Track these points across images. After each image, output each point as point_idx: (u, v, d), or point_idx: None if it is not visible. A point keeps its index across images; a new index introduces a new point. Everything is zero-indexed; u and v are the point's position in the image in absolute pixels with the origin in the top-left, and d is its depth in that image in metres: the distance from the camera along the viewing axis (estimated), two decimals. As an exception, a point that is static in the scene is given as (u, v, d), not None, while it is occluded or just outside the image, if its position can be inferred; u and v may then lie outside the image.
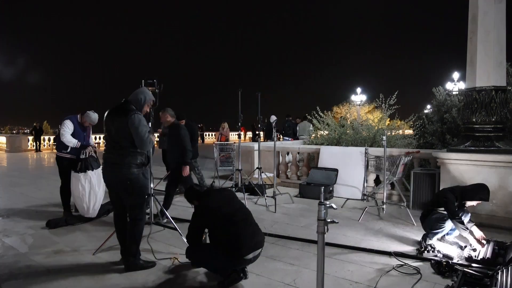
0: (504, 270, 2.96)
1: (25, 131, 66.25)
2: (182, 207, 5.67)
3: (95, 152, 5.19)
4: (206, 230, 3.25)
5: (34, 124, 20.51)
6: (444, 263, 3.27)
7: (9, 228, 4.75)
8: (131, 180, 3.31)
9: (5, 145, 20.00)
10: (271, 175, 7.13)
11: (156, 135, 9.11)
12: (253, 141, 18.52)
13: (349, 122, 9.70)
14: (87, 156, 5.02)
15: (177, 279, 3.18)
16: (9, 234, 4.49)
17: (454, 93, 10.50)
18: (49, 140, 21.42)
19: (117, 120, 3.31)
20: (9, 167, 12.41)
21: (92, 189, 4.94)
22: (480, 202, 3.89)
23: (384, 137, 5.32)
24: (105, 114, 3.46)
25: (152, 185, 4.29)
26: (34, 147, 20.12)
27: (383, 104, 9.49)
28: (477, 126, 5.13)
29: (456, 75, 18.81)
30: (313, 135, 10.09)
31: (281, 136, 12.05)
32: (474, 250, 3.58)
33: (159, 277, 3.22)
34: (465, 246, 3.75)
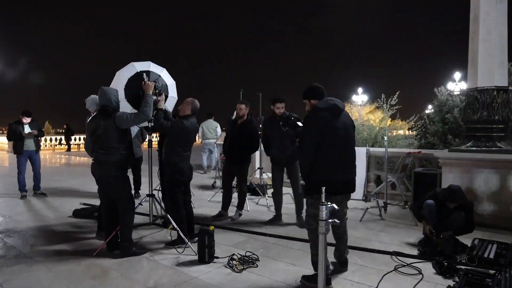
0: (506, 270, 2.96)
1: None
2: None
3: None
4: None
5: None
6: (446, 263, 3.26)
7: (11, 228, 4.76)
8: (115, 177, 3.66)
9: (7, 146, 20.03)
10: (272, 175, 7.11)
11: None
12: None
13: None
14: None
15: (178, 279, 3.18)
16: (11, 234, 4.50)
17: (455, 93, 10.46)
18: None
19: (103, 123, 3.64)
20: (11, 167, 12.43)
21: None
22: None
23: (386, 137, 5.31)
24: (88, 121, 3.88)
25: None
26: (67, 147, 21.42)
27: (385, 104, 9.48)
28: (479, 126, 5.11)
29: (457, 75, 18.73)
30: None
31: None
32: None
33: (160, 277, 3.22)
34: None
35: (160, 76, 4.26)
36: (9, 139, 7.02)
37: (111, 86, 4.23)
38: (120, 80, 4.06)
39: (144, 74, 4.07)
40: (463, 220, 3.83)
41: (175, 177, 4.05)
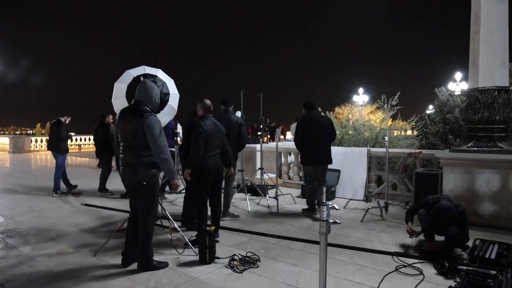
0: (508, 271, 2.95)
1: (28, 131, 66.68)
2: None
3: None
4: None
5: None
6: (447, 264, 3.26)
7: (12, 228, 4.77)
8: (147, 181, 3.26)
9: (8, 146, 20.08)
10: (273, 175, 7.13)
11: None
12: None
13: (351, 123, 9.70)
14: None
15: (179, 279, 3.19)
16: (12, 234, 4.51)
17: (456, 93, 10.44)
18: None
19: (131, 122, 3.21)
20: (12, 168, 12.46)
21: None
22: None
23: (387, 138, 5.31)
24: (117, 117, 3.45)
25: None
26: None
27: (386, 104, 9.48)
28: (480, 126, 5.11)
29: (458, 75, 18.72)
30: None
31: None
32: None
33: (160, 277, 3.22)
34: None
35: (157, 76, 4.36)
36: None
37: (113, 96, 4.31)
38: (120, 90, 4.22)
39: (141, 77, 4.15)
40: (456, 231, 3.63)
41: (200, 176, 4.11)
